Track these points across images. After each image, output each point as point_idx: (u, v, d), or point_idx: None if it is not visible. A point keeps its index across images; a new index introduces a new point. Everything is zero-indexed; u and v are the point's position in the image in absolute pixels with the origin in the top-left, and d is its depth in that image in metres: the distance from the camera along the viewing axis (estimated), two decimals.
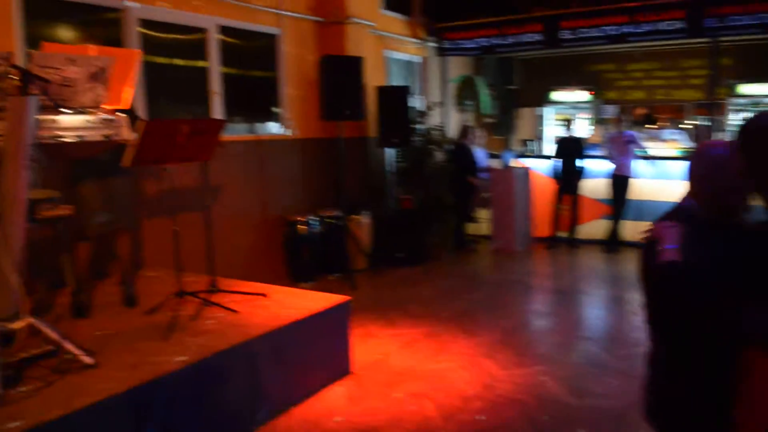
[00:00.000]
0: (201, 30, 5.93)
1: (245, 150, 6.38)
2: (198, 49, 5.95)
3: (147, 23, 5.43)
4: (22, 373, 2.93)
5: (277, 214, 6.69)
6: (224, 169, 6.05)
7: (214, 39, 6.01)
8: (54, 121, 2.98)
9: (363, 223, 7.16)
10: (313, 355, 3.94)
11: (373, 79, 7.59)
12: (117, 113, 3.22)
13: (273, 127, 6.85)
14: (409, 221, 7.53)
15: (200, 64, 5.98)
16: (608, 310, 6.03)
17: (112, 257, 4.08)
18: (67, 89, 2.93)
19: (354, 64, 6.66)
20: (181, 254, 5.42)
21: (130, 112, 3.45)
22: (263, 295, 4.29)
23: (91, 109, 3.09)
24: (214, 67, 6.05)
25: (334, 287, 6.52)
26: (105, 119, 3.15)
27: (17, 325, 2.96)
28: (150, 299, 4.16)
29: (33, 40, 4.55)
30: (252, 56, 6.62)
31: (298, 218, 6.58)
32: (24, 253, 2.95)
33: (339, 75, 6.49)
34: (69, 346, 3.06)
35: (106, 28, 5.21)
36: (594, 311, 6.07)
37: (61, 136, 3.01)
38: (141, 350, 3.30)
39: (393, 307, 5.74)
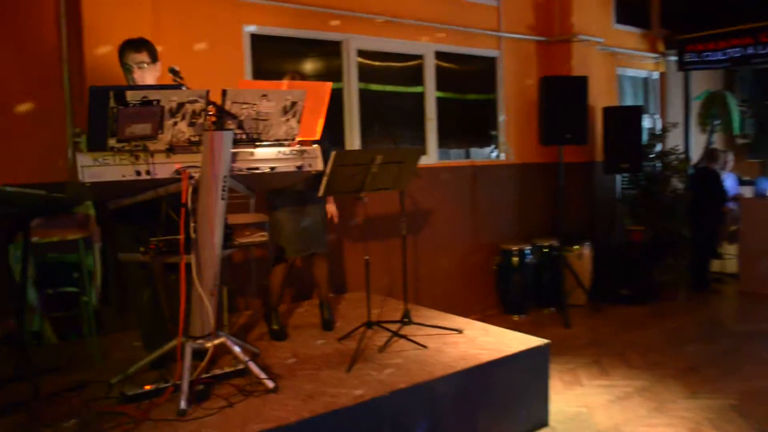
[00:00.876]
0: (417, 56, 5.97)
1: (458, 175, 6.26)
2: (413, 75, 6.00)
3: (364, 52, 5.61)
4: (212, 390, 3.10)
5: (488, 242, 6.46)
6: (435, 194, 6.02)
7: (430, 64, 6.01)
8: (250, 153, 3.13)
9: (583, 254, 6.58)
10: (503, 401, 3.63)
11: (601, 99, 7.01)
12: (310, 144, 3.29)
13: (488, 152, 6.64)
14: (637, 254, 6.76)
15: (415, 89, 6.02)
16: None
17: (310, 281, 4.21)
18: (261, 123, 3.07)
19: (577, 85, 6.18)
20: (386, 280, 5.56)
21: (322, 142, 3.52)
22: (458, 331, 4.08)
23: (284, 141, 3.19)
24: (430, 93, 6.04)
25: (546, 322, 6.11)
26: (298, 150, 3.24)
27: (210, 343, 3.14)
28: (349, 324, 4.23)
29: (259, 75, 4.98)
30: (468, 80, 6.49)
31: (511, 247, 6.27)
32: (219, 277, 3.13)
33: (560, 97, 6.07)
34: (254, 369, 3.17)
35: (326, 60, 5.49)
36: None
37: (256, 168, 3.15)
38: (322, 379, 3.31)
39: (608, 352, 5.13)
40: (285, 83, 3.21)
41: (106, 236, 4.09)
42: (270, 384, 3.12)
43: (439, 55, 6.10)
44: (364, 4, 5.50)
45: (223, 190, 2.97)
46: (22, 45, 4.12)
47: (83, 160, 2.73)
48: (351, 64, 5.49)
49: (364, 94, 5.62)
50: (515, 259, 6.26)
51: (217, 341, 3.18)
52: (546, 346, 3.84)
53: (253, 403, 2.99)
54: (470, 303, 6.31)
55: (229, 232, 3.29)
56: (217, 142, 2.85)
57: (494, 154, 6.64)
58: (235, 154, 3.07)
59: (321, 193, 3.50)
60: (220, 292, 3.98)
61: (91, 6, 4.10)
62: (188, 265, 2.98)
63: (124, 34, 3.46)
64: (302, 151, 3.27)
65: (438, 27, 5.97)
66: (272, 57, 5.17)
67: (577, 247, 6.55)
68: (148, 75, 3.33)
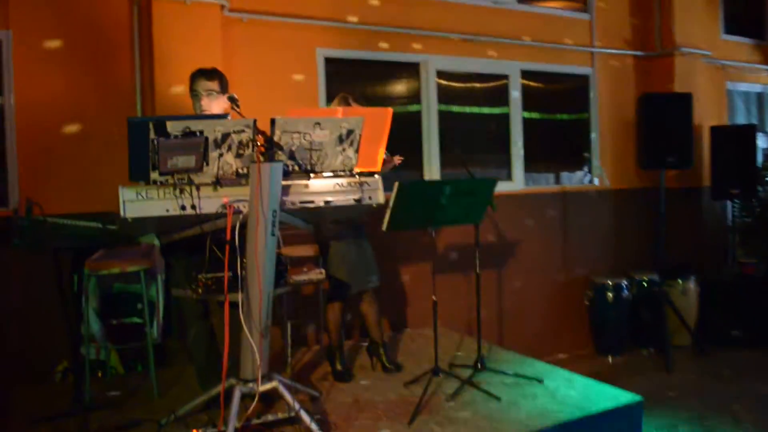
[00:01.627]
0: (501, 77, 5.62)
1: (547, 202, 5.82)
2: (497, 95, 5.64)
3: (444, 73, 5.33)
4: None
5: (580, 275, 5.94)
6: (521, 222, 5.62)
7: (516, 84, 5.64)
8: (304, 186, 2.91)
9: (688, 289, 5.92)
10: None
11: (708, 117, 6.36)
12: (370, 176, 3.03)
13: (580, 177, 6.15)
14: (751, 291, 6.00)
15: (500, 110, 5.66)
16: None
17: (371, 318, 3.92)
18: (315, 153, 2.84)
19: (681, 102, 5.58)
20: (466, 316, 5.19)
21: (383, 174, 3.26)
22: (539, 380, 3.66)
23: (341, 172, 2.95)
24: (516, 114, 5.67)
25: (644, 365, 5.53)
26: (356, 182, 2.99)
27: (261, 387, 2.92)
28: (419, 364, 3.94)
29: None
30: (558, 99, 6.05)
31: (606, 280, 5.72)
32: (271, 316, 2.92)
33: (662, 116, 5.51)
34: (305, 419, 2.91)
35: (403, 81, 5.25)
36: None
37: (310, 201, 2.92)
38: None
39: (715, 405, 4.50)
40: (340, 110, 2.97)
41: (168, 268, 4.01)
42: None
43: (526, 74, 5.72)
44: (444, 22, 5.23)
45: (273, 226, 2.76)
46: (98, 72, 4.15)
47: (126, 194, 2.60)
48: (430, 85, 5.23)
49: (443, 116, 5.33)
50: (610, 294, 5.71)
51: (268, 386, 2.96)
52: (639, 404, 3.35)
53: None
54: (559, 341, 5.84)
55: (282, 269, 3.09)
56: (265, 175, 2.64)
57: (587, 179, 6.13)
58: (287, 187, 2.86)
59: (384, 228, 3.23)
60: (284, 329, 3.79)
61: (162, 41, 4.06)
62: (236, 304, 2.80)
63: (194, 65, 3.37)
64: (362, 183, 3.01)
65: (524, 44, 5.59)
66: (347, 80, 4.99)
67: (680, 281, 5.90)
68: (215, 104, 3.22)
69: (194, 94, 3.23)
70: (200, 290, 2.88)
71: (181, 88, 4.01)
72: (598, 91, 6.07)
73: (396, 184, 3.11)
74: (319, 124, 2.78)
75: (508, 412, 3.23)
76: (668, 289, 5.76)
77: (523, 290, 5.68)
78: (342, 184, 2.99)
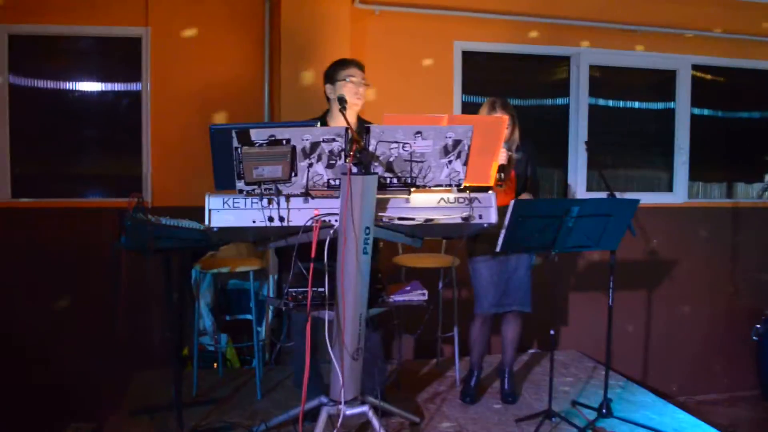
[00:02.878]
0: (667, 71, 4.89)
1: (714, 218, 5.01)
2: (660, 88, 4.92)
3: (598, 67, 4.75)
4: None
5: (749, 306, 5.05)
6: (680, 239, 4.90)
7: (685, 80, 4.88)
8: (405, 200, 2.63)
9: None
10: None
11: None
12: (483, 191, 2.67)
13: (759, 190, 5.23)
14: None
15: (663, 105, 4.94)
16: None
17: (506, 341, 3.56)
18: (416, 165, 2.53)
19: None
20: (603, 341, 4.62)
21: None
22: None
23: (447, 187, 2.62)
24: (683, 115, 4.91)
25: None
26: (467, 198, 2.64)
27: (349, 411, 2.73)
28: (538, 395, 3.58)
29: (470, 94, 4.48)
30: (737, 94, 5.16)
31: None
32: (363, 338, 2.70)
33: None
34: None
35: (551, 73, 4.75)
36: None
37: (410, 218, 2.63)
38: None
39: None
40: (445, 117, 2.63)
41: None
42: None
43: (698, 68, 4.92)
44: (602, 10, 4.61)
45: (366, 244, 2.51)
46: (229, 63, 4.16)
47: (212, 202, 2.49)
48: (581, 79, 4.67)
49: (595, 111, 4.74)
50: None
51: (356, 410, 2.75)
52: None
53: None
54: (717, 378, 5.07)
55: (380, 287, 2.84)
56: (357, 188, 2.39)
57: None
58: (384, 201, 2.59)
59: (498, 248, 2.85)
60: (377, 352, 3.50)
61: (290, 33, 3.96)
62: (328, 323, 2.63)
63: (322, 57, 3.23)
64: (472, 199, 2.66)
65: (698, 35, 4.80)
66: (487, 73, 4.61)
67: None
68: (362, 91, 3.13)
69: (343, 80, 3.07)
70: (289, 304, 2.73)
71: (309, 81, 3.91)
72: None
73: (512, 202, 2.71)
74: (420, 133, 2.47)
75: None
76: None
77: (677, 318, 4.96)
78: (448, 200, 2.67)
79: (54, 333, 4.02)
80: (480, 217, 2.67)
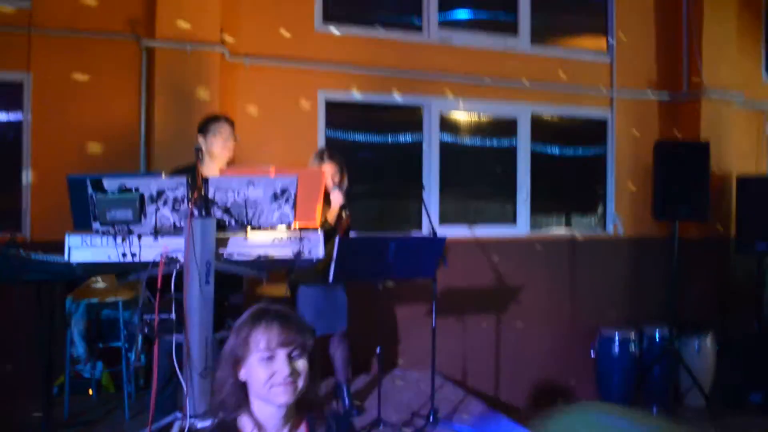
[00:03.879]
0: (509, 120, 5.62)
1: (554, 249, 5.72)
2: (504, 128, 5.63)
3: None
4: None
5: (586, 326, 5.75)
6: (525, 269, 5.55)
7: (525, 126, 5.61)
8: (243, 238, 3.08)
9: (704, 347, 5.64)
10: None
11: (742, 165, 6.04)
12: (312, 231, 3.16)
13: (592, 223, 6.01)
14: None
15: (507, 144, 5.64)
16: None
17: (337, 361, 4.02)
18: (250, 209, 3.00)
19: (698, 151, 5.36)
20: (459, 360, 5.20)
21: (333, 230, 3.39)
22: None
23: (279, 227, 3.09)
24: (523, 157, 5.64)
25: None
26: (295, 237, 3.12)
27: (200, 424, 3.09)
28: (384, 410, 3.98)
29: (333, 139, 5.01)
30: (573, 135, 5.95)
31: (613, 333, 5.54)
32: (210, 359, 3.08)
33: (677, 165, 5.30)
34: None
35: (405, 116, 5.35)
36: None
37: (247, 253, 3.09)
38: None
39: None
40: (273, 169, 3.12)
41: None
42: None
43: (537, 116, 5.68)
44: (449, 64, 5.28)
45: (207, 275, 2.94)
46: (107, 108, 4.49)
47: (71, 240, 2.85)
48: (432, 124, 5.30)
49: (445, 150, 5.38)
50: (616, 348, 5.54)
51: (206, 423, 3.13)
52: None
53: None
54: (566, 391, 5.71)
55: (224, 313, 3.26)
56: (197, 230, 2.83)
57: (602, 226, 5.99)
58: (225, 239, 3.03)
59: (331, 279, 3.34)
60: None
61: (163, 86, 4.36)
62: (175, 345, 3.01)
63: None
64: (302, 238, 3.15)
65: (535, 88, 5.55)
66: (347, 116, 5.17)
67: (696, 338, 5.63)
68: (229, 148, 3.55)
69: (213, 134, 3.49)
70: (144, 329, 3.10)
71: (181, 126, 4.28)
72: (616, 135, 5.92)
73: (336, 238, 3.21)
74: (252, 182, 2.94)
75: None
76: (682, 346, 5.52)
77: (526, 339, 5.59)
78: (281, 239, 3.13)
79: None
80: (309, 252, 3.16)
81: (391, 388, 4.61)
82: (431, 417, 3.73)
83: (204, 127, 3.52)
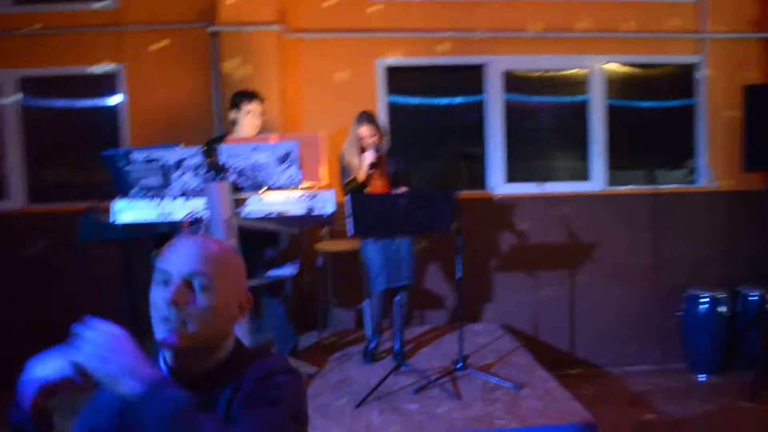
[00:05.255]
0: (579, 71, 5.42)
1: (633, 204, 5.47)
2: (575, 83, 5.45)
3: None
4: None
5: (671, 286, 5.46)
6: (602, 224, 5.40)
7: (598, 78, 5.38)
8: (259, 198, 3.45)
9: None
10: None
11: None
12: (321, 190, 3.45)
13: (681, 176, 5.63)
14: None
15: (579, 98, 5.46)
16: None
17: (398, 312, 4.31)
18: (259, 172, 3.35)
19: None
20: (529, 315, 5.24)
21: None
22: (516, 387, 3.73)
23: (290, 188, 3.42)
24: (597, 106, 5.39)
25: (737, 389, 4.98)
26: (307, 195, 3.43)
27: None
28: (429, 359, 4.25)
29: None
30: (656, 85, 5.58)
31: (700, 293, 5.22)
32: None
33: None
34: None
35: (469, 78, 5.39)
36: None
37: (266, 211, 3.45)
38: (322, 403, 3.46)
39: None
40: (274, 136, 3.41)
41: None
42: None
43: (612, 67, 5.41)
44: (511, 19, 5.21)
45: (228, 232, 3.35)
46: (181, 87, 5.10)
47: (118, 205, 3.41)
48: (494, 83, 5.29)
49: (511, 108, 5.34)
50: (703, 308, 5.21)
51: None
52: (589, 427, 3.29)
53: None
54: (649, 352, 5.50)
55: (257, 264, 3.68)
56: (213, 192, 3.24)
57: (690, 181, 5.60)
58: (243, 200, 3.43)
59: (349, 234, 3.62)
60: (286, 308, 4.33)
61: (227, 65, 4.86)
62: None
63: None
64: (314, 195, 3.45)
65: (611, 37, 5.29)
66: (408, 86, 5.34)
67: None
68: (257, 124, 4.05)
69: (245, 113, 3.97)
70: None
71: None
72: (707, 81, 5.46)
73: (348, 196, 3.48)
74: (256, 148, 3.29)
75: (457, 412, 3.42)
76: None
77: (604, 297, 5.44)
78: (294, 197, 3.47)
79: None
80: (321, 208, 3.46)
81: (448, 339, 4.79)
82: (459, 363, 3.89)
83: (237, 102, 3.93)
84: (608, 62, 5.38)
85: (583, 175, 5.45)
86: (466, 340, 4.63)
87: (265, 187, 3.44)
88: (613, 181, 5.45)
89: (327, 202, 3.45)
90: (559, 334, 5.42)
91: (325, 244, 4.71)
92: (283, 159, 3.32)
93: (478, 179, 5.39)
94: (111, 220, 3.43)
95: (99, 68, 5.04)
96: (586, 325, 5.43)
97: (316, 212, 3.45)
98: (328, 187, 3.53)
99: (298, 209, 3.46)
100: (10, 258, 4.91)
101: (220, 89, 4.91)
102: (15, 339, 3.94)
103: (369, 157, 3.99)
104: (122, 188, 3.38)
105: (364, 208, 3.52)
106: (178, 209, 3.42)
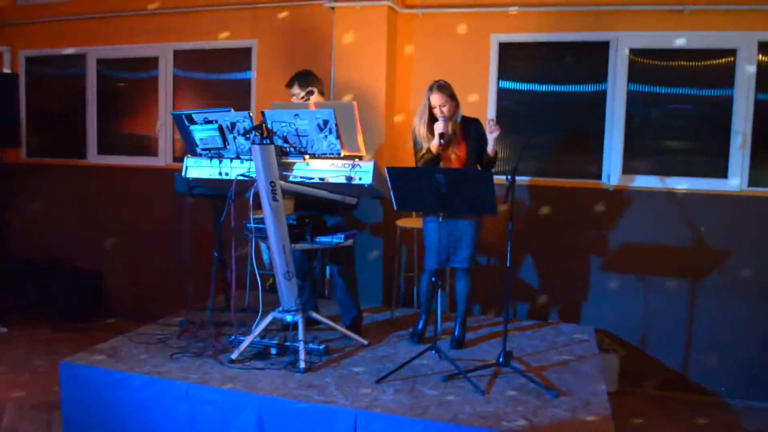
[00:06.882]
0: (727, 51, 4.64)
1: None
2: (716, 72, 4.70)
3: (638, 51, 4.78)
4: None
5: None
6: (733, 230, 4.67)
7: (747, 60, 4.57)
8: (306, 164, 3.58)
9: None
10: None
11: None
12: (362, 160, 3.47)
13: None
14: None
15: (719, 91, 4.70)
16: None
17: (457, 294, 4.19)
18: (302, 138, 3.46)
19: None
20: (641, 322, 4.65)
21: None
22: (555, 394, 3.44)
23: (331, 155, 3.50)
24: (742, 96, 4.60)
25: None
26: (350, 164, 3.48)
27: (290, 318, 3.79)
28: (490, 350, 4.11)
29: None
30: None
31: None
32: (291, 264, 3.70)
33: None
34: (297, 348, 3.67)
35: (590, 61, 4.95)
36: None
37: (310, 177, 3.57)
38: (342, 376, 3.52)
39: None
40: (312, 104, 3.44)
41: None
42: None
43: (764, 47, 4.56)
44: None
45: (273, 193, 3.53)
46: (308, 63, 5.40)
47: (188, 161, 3.79)
48: (619, 64, 4.78)
49: (633, 98, 4.80)
50: None
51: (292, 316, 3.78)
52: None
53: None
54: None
55: (305, 229, 3.82)
56: (257, 155, 3.45)
57: None
58: (290, 164, 3.59)
59: (395, 207, 3.61)
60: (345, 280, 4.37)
61: (341, 40, 5.04)
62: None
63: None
64: (354, 165, 3.50)
65: (762, 9, 4.46)
66: (523, 62, 5.08)
67: None
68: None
69: (291, 96, 4.20)
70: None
71: (358, 81, 4.95)
72: None
73: (386, 169, 3.46)
74: (297, 115, 3.42)
75: (477, 405, 3.25)
76: None
77: (732, 314, 4.68)
78: (337, 165, 3.54)
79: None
80: (360, 178, 3.49)
81: (522, 334, 4.52)
82: (500, 358, 3.67)
83: (289, 85, 4.11)
84: (762, 39, 4.53)
85: (716, 171, 4.70)
86: (543, 339, 4.39)
87: (309, 154, 3.58)
88: (754, 180, 4.63)
89: (366, 173, 3.49)
90: (670, 350, 4.80)
91: (404, 221, 4.71)
92: (323, 126, 3.41)
93: (593, 169, 4.94)
94: (183, 174, 3.84)
95: (237, 43, 5.56)
96: (706, 344, 4.73)
97: (355, 181, 3.51)
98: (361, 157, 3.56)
99: (338, 177, 3.54)
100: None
101: (335, 63, 5.11)
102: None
103: (439, 127, 3.85)
104: (190, 147, 3.75)
105: (402, 182, 3.47)
106: (234, 169, 3.71)
